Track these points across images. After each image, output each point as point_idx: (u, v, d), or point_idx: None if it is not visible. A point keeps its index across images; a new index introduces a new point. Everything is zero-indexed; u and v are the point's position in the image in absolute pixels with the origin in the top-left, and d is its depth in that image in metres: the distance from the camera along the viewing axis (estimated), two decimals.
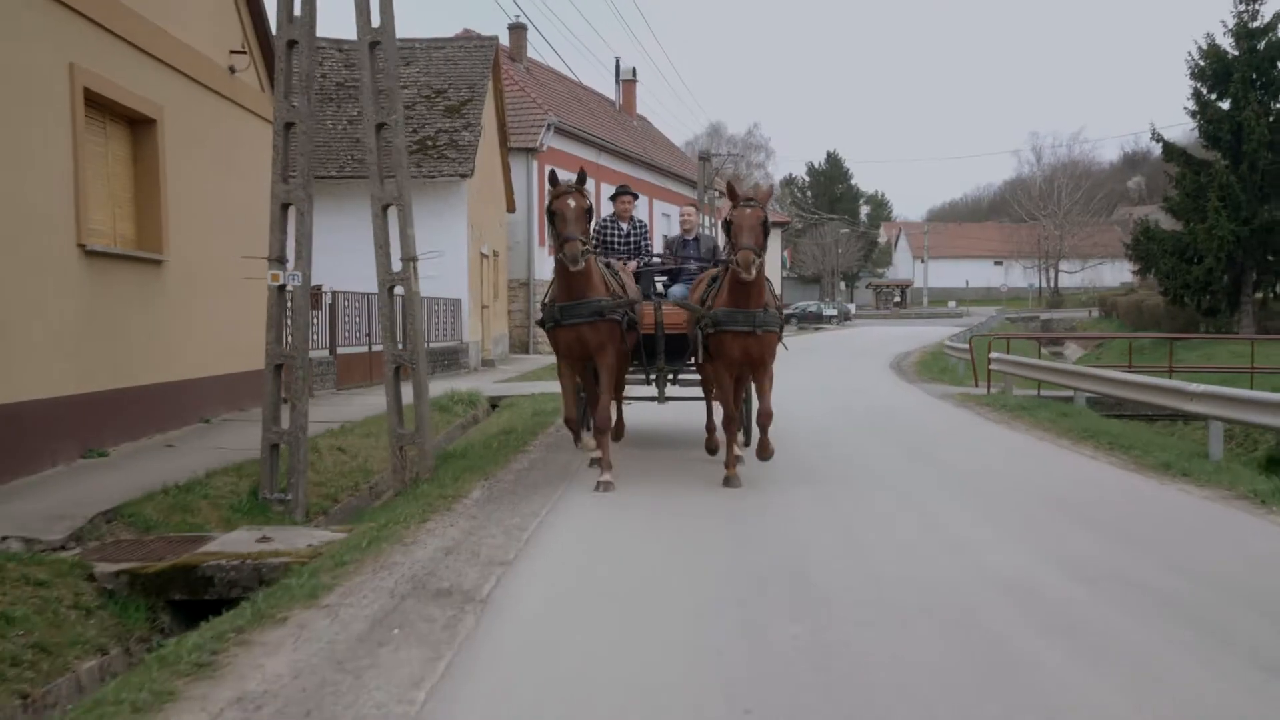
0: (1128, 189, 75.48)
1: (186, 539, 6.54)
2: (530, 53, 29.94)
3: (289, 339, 8.15)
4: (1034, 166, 69.14)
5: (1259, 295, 30.05)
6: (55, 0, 8.04)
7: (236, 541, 6.33)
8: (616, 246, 8.84)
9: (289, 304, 8.01)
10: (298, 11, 8.00)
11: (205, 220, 10.82)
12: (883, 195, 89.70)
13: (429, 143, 19.78)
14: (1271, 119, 29.09)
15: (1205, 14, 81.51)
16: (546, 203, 6.91)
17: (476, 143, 19.98)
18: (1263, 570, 5.00)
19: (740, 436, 7.90)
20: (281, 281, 7.78)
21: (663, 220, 31.58)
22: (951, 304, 68.98)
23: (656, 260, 9.27)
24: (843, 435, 10.18)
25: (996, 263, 74.99)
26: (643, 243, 9.03)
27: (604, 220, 9.08)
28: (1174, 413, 13.94)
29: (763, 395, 7.26)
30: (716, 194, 33.05)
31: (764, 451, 7.32)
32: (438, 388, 12.54)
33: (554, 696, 3.36)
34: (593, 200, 7.16)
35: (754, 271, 6.55)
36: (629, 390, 9.06)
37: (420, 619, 4.11)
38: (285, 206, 7.91)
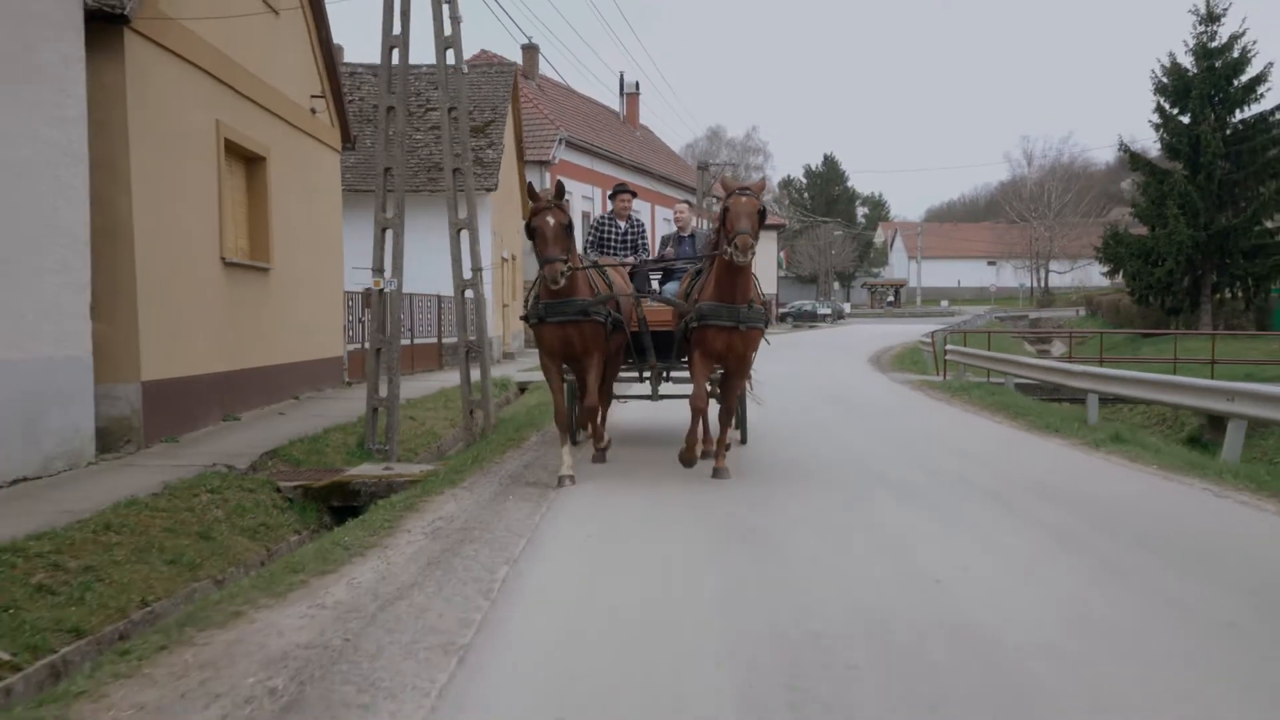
0: (1121, 190, 78.25)
1: (328, 470, 9.34)
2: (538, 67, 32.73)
3: (388, 329, 10.90)
4: (1024, 169, 71.78)
5: (1217, 296, 32.78)
6: (207, 73, 10.82)
7: (368, 470, 9.13)
8: (613, 244, 9.15)
9: (389, 302, 10.78)
10: (395, 78, 10.77)
11: (294, 235, 13.60)
12: (880, 196, 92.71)
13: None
14: (1228, 133, 31.87)
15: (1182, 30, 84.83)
16: (526, 219, 7.06)
17: (499, 160, 22.78)
18: (1060, 476, 7.77)
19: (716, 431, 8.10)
20: (382, 286, 10.56)
21: (664, 225, 34.38)
22: (944, 303, 71.78)
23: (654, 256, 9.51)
24: (811, 407, 12.94)
25: (990, 263, 77.74)
26: (639, 241, 9.25)
27: (602, 218, 9.40)
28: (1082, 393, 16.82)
29: (730, 392, 7.65)
30: (715, 200, 35.88)
31: (718, 458, 7.59)
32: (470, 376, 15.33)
33: (604, 524, 6.12)
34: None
35: (750, 255, 6.63)
36: (624, 390, 9.47)
37: (522, 494, 6.91)
38: (384, 230, 10.69)
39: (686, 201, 10.26)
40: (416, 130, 23.38)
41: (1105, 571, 4.84)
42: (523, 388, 17.38)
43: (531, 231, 6.90)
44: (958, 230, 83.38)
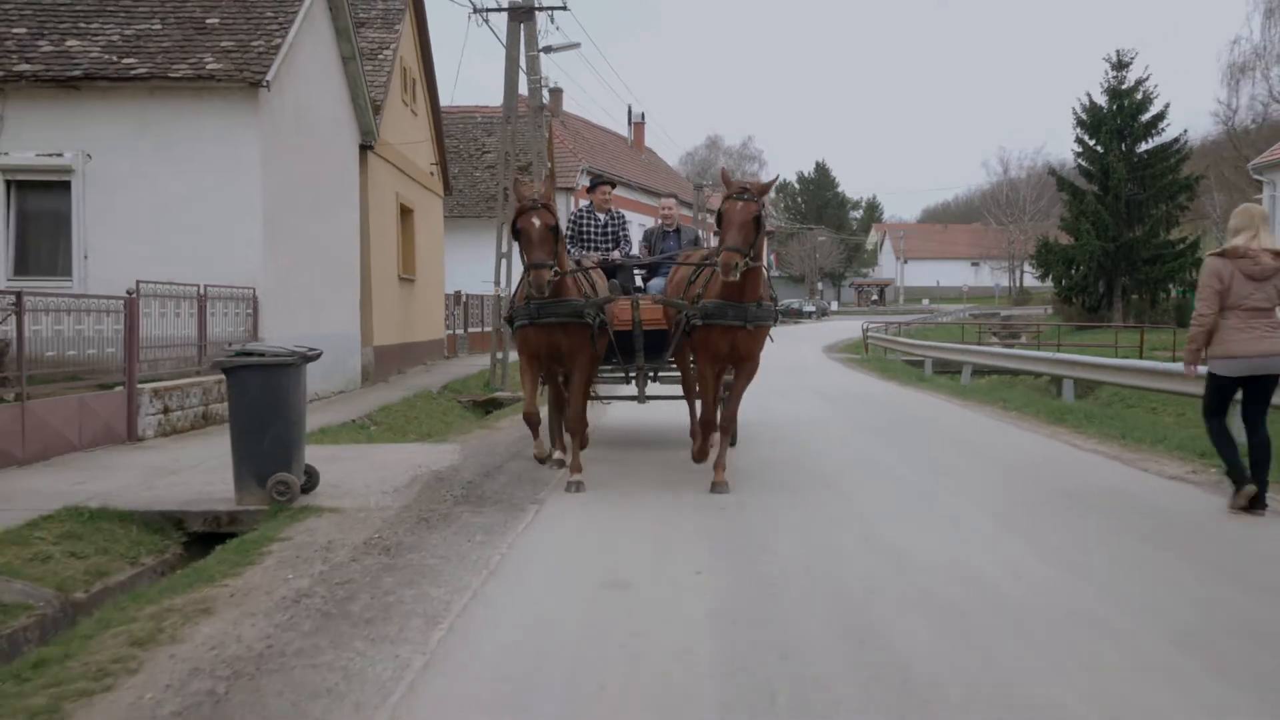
0: None
1: (479, 394, 17.34)
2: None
3: (498, 319, 18.83)
4: (1000, 176, 79.75)
5: (1127, 297, 40.68)
6: (393, 165, 18.77)
7: (502, 394, 17.14)
8: (593, 238, 8.94)
9: (491, 304, 18.73)
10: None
11: (422, 256, 21.56)
12: (875, 199, 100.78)
13: (507, 193, 30.50)
14: (1134, 160, 39.79)
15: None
16: (511, 219, 6.82)
17: None
18: (868, 392, 15.73)
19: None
20: (499, 293, 18.53)
21: None
22: (925, 302, 79.74)
23: (635, 255, 9.23)
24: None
25: (973, 264, 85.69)
26: (620, 234, 9.07)
27: (580, 211, 9.17)
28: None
29: (735, 395, 7.28)
30: (708, 214, 43.86)
31: (706, 456, 7.39)
32: None
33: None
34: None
35: (737, 274, 6.29)
36: (610, 390, 9.87)
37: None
38: (501, 258, 18.66)
39: (673, 196, 10.35)
40: (475, 169, 31.35)
41: (864, 424, 12.70)
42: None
43: (517, 233, 6.70)
44: (946, 233, 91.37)
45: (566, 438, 7.73)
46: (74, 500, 6.61)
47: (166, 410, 10.18)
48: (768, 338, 7.34)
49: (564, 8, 18.57)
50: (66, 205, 12.17)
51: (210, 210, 12.16)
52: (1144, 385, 12.35)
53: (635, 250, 9.31)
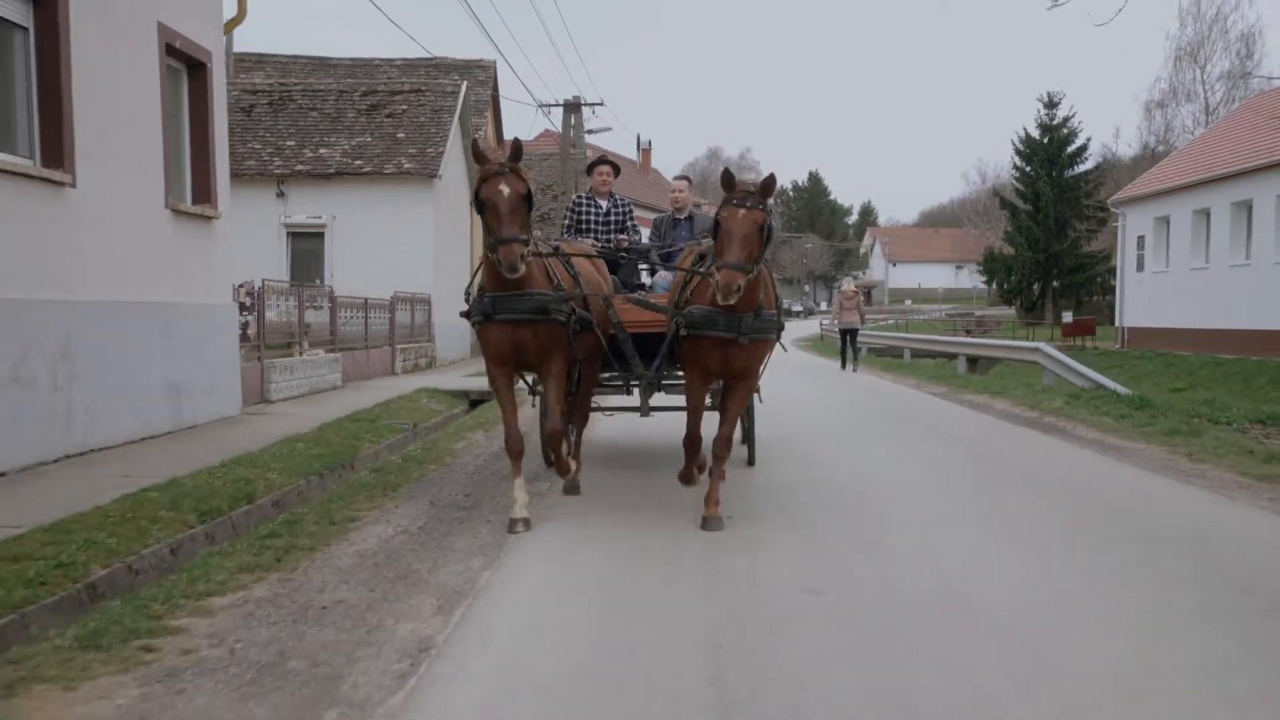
0: None
1: None
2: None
3: None
4: (979, 186, 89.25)
5: (1055, 300, 50.05)
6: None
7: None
8: (595, 227, 8.28)
9: None
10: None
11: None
12: (870, 203, 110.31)
13: (545, 218, 40.07)
14: (1061, 184, 49.16)
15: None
16: (475, 187, 5.97)
17: None
18: (806, 363, 25.26)
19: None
20: None
21: None
22: (907, 302, 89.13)
23: (644, 245, 8.54)
24: None
25: (957, 266, 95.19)
26: (627, 222, 8.38)
27: (579, 197, 8.58)
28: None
29: (728, 417, 6.51)
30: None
31: (692, 479, 6.90)
32: None
33: None
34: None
35: (734, 297, 5.59)
36: (606, 400, 8.90)
37: None
38: None
39: (685, 178, 9.19)
40: None
41: (795, 377, 22.14)
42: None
43: (481, 205, 5.84)
44: (935, 237, 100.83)
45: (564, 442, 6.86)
46: (416, 388, 16.03)
47: (405, 360, 19.70)
48: (777, 348, 6.86)
49: (601, 104, 27.94)
50: (320, 246, 21.70)
51: (403, 251, 21.66)
52: (945, 351, 21.80)
53: (645, 242, 8.69)
